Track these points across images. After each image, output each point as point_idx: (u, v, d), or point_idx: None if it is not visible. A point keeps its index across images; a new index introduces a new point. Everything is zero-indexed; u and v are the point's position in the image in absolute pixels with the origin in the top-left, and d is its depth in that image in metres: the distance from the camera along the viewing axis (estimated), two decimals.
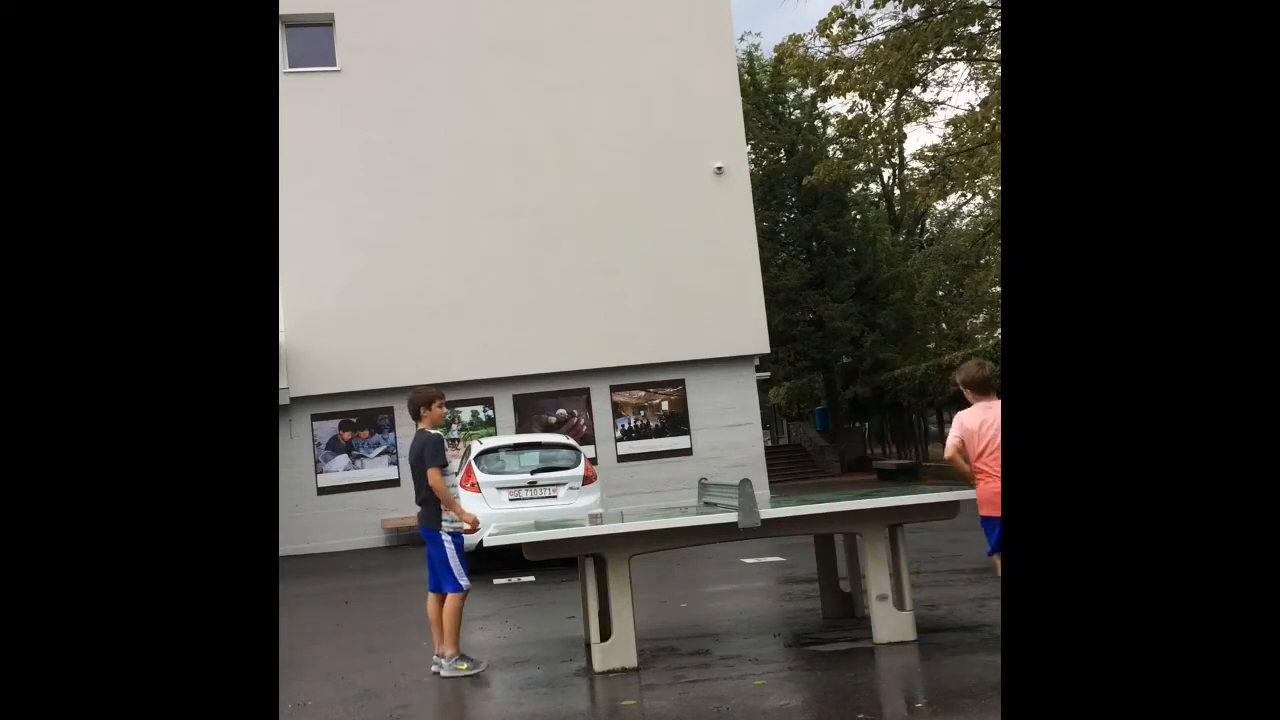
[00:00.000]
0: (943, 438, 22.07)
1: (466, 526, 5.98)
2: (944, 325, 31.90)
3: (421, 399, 6.15)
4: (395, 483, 16.81)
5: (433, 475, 5.86)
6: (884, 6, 15.53)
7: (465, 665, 5.86)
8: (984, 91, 18.52)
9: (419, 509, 6.09)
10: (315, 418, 16.86)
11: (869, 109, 18.21)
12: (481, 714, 5.10)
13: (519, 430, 16.92)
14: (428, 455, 5.91)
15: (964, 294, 28.88)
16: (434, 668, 5.94)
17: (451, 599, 5.90)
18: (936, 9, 15.52)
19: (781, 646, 6.01)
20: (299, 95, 16.89)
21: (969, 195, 28.07)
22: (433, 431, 6.06)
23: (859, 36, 16.02)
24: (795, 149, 27.40)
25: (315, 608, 9.55)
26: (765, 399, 32.70)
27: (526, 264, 17.25)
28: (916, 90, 18.70)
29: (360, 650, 6.98)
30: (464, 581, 5.90)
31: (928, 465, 21.05)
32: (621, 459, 17.53)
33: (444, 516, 5.93)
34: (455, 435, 17.07)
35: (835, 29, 15.93)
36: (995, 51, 15.95)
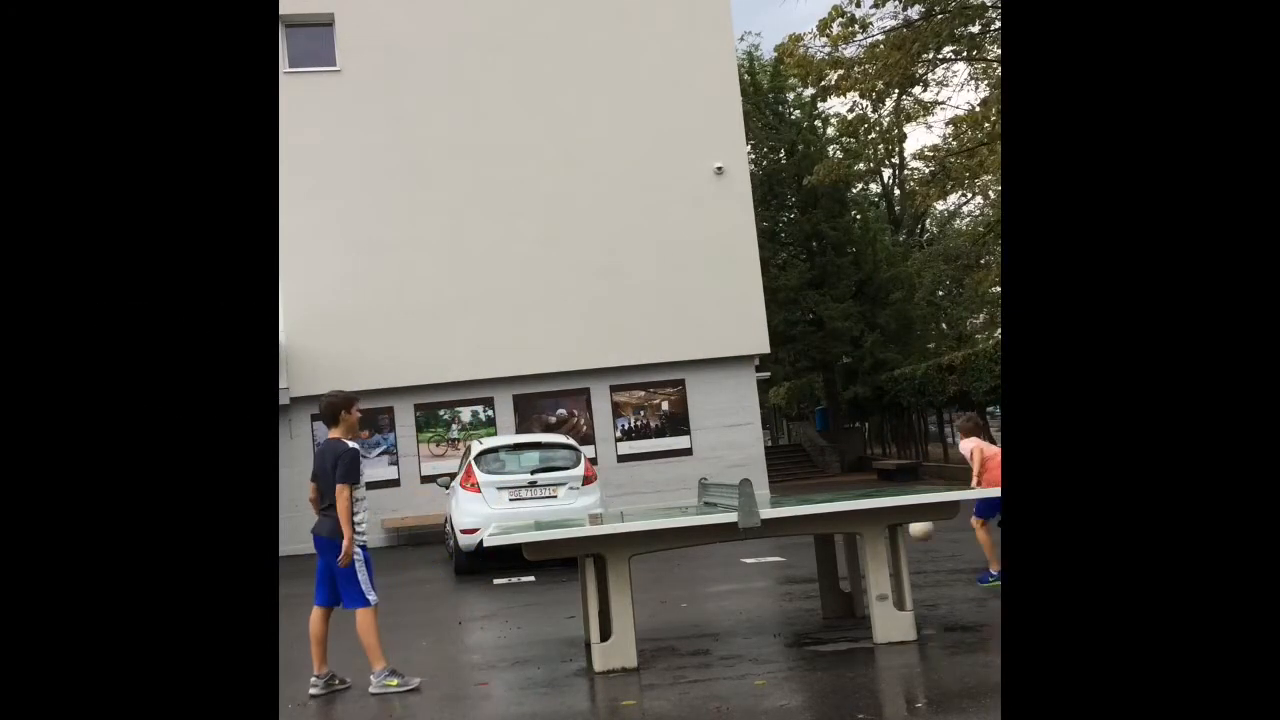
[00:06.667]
0: (943, 438, 22.07)
1: (366, 540, 5.67)
2: (944, 325, 31.89)
3: (341, 403, 5.71)
4: (395, 483, 16.81)
5: (341, 493, 5.49)
6: (884, 6, 15.53)
7: (395, 681, 5.56)
8: (984, 91, 18.53)
9: (320, 518, 5.67)
10: (315, 418, 16.86)
11: (869, 109, 18.22)
12: (481, 714, 5.10)
13: (519, 430, 16.91)
14: (341, 471, 5.50)
15: (964, 294, 28.87)
16: (311, 689, 5.63)
17: (363, 615, 5.57)
18: (936, 9, 15.52)
19: (781, 646, 6.01)
20: (299, 95, 16.88)
21: (969, 195, 28.06)
22: (350, 444, 5.64)
23: (859, 36, 16.02)
24: (795, 149, 27.38)
25: None
26: (765, 399, 32.70)
27: (526, 264, 17.24)
28: (916, 90, 18.71)
29: (360, 650, 6.97)
30: (372, 596, 5.59)
31: (928, 465, 21.05)
32: (621, 459, 17.53)
33: (356, 529, 5.55)
34: (455, 435, 17.08)
35: (835, 29, 15.93)
36: (995, 51, 15.95)
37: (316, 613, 5.75)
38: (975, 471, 7.83)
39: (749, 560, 10.05)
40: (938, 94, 46.03)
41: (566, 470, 11.15)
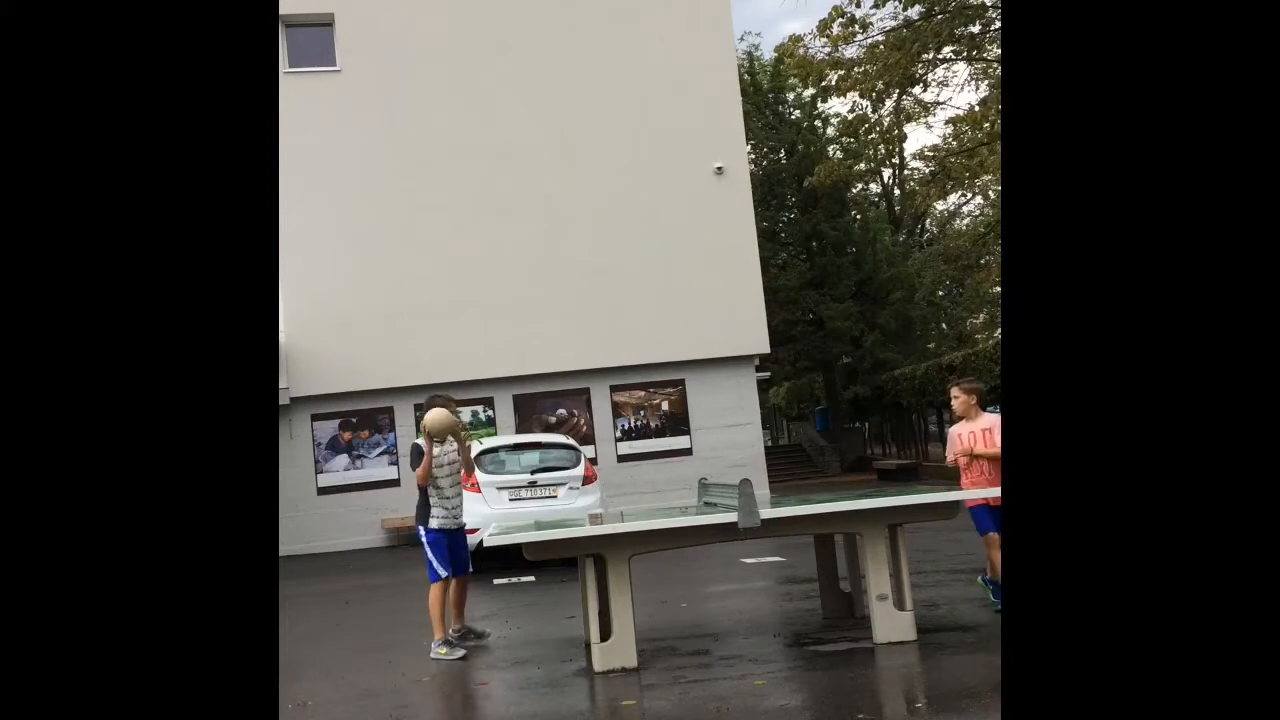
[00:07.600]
0: (943, 438, 22.03)
1: (442, 525, 6.59)
2: (944, 325, 31.88)
3: (441, 402, 6.77)
4: (395, 483, 16.81)
5: (418, 474, 6.56)
6: (884, 7, 15.53)
7: (445, 650, 6.27)
8: (984, 91, 18.53)
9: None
10: (315, 418, 16.85)
11: (869, 109, 18.22)
12: (482, 714, 5.10)
13: (519, 430, 16.91)
14: (410, 461, 6.74)
15: (964, 294, 28.86)
16: (450, 637, 6.58)
17: (432, 589, 6.49)
18: (936, 9, 15.53)
19: (781, 646, 6.01)
20: (299, 95, 16.88)
21: (969, 195, 28.07)
22: (416, 440, 6.75)
23: (859, 36, 16.03)
24: (795, 149, 27.39)
25: (315, 608, 9.54)
26: (765, 399, 32.69)
27: (526, 264, 17.24)
28: (916, 90, 18.72)
29: (360, 650, 6.98)
30: (442, 571, 6.48)
31: (928, 465, 21.05)
32: (621, 459, 17.53)
33: (431, 513, 6.55)
34: None
35: (835, 29, 15.93)
36: (995, 51, 15.95)
37: (451, 583, 6.62)
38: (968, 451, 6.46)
39: (749, 560, 10.05)
40: (938, 94, 45.97)
41: (566, 470, 11.15)
